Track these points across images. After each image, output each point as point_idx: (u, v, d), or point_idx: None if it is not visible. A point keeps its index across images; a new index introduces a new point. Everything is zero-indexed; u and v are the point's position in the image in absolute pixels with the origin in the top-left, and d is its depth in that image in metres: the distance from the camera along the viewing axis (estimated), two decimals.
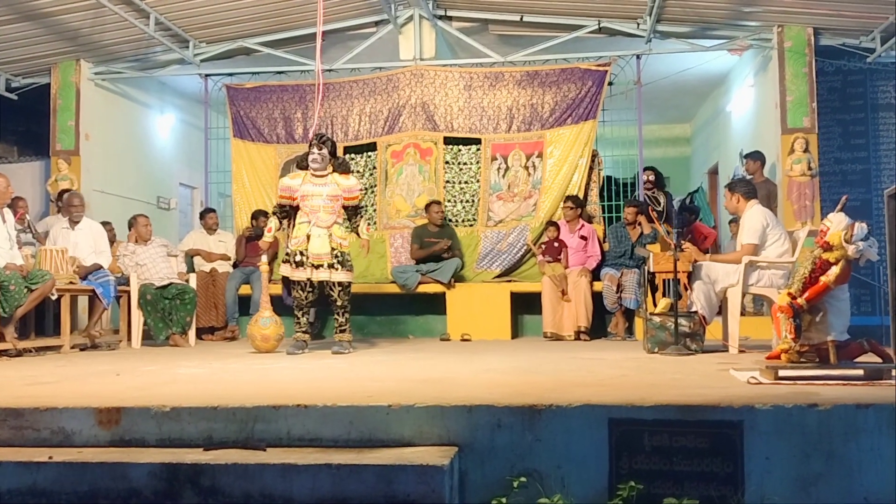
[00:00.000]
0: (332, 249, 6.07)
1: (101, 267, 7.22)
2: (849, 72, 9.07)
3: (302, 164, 6.32)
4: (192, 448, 3.03)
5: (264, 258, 6.54)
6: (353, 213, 6.34)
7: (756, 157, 8.47)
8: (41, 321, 7.30)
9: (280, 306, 6.91)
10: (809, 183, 8.26)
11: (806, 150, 8.24)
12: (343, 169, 6.30)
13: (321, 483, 2.75)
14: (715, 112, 11.50)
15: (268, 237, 6.45)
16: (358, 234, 6.41)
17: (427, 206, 8.52)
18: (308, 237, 6.10)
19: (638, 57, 8.88)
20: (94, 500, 2.82)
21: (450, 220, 8.87)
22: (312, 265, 6.07)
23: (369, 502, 2.72)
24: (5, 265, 6.11)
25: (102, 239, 7.52)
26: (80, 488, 2.83)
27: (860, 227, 4.02)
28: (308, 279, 6.08)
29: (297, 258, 6.10)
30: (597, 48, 9.05)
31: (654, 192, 8.80)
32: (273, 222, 6.40)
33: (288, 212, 6.32)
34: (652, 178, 8.89)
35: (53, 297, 6.62)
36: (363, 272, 8.34)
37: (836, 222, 4.11)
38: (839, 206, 4.27)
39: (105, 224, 8.16)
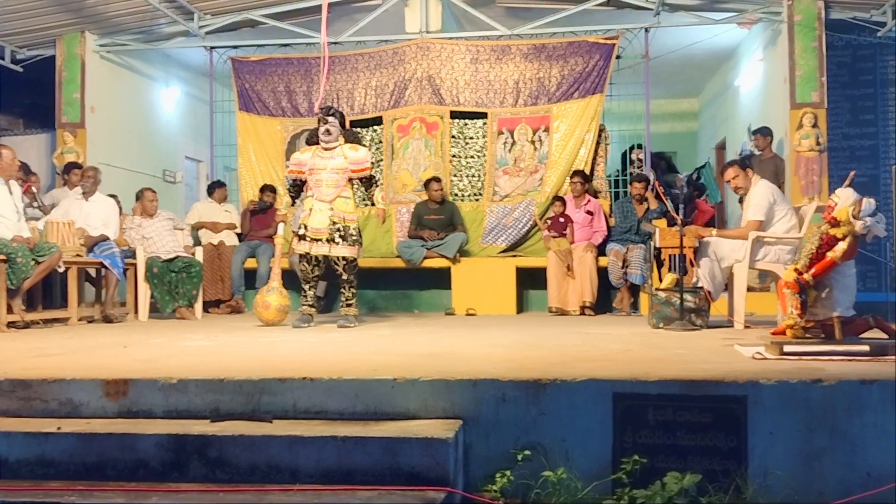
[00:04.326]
0: (334, 223, 6.06)
1: (107, 238, 7.25)
2: (858, 46, 8.97)
3: (311, 139, 6.32)
4: (198, 420, 3.06)
5: (280, 230, 6.55)
6: (367, 184, 6.34)
7: (764, 133, 8.42)
8: (48, 293, 7.34)
9: (287, 279, 6.93)
10: (817, 158, 8.22)
11: (814, 126, 8.18)
12: (353, 139, 6.29)
13: (327, 455, 2.78)
14: (723, 86, 11.41)
15: (281, 210, 6.55)
16: (374, 204, 6.44)
17: (426, 183, 8.49)
18: (311, 210, 6.11)
19: (646, 30, 8.79)
20: (102, 470, 2.85)
21: (455, 195, 8.86)
22: (312, 239, 6.08)
23: (374, 474, 2.75)
24: (12, 237, 6.13)
25: (114, 213, 7.56)
26: (89, 459, 2.86)
27: (868, 203, 4.00)
28: (308, 252, 6.10)
29: (301, 231, 6.12)
30: (605, 21, 8.96)
31: (642, 170, 8.81)
32: (285, 198, 6.47)
33: (300, 186, 6.35)
34: (641, 156, 8.90)
35: (61, 270, 6.65)
36: (369, 246, 8.34)
37: (844, 198, 4.10)
38: (847, 182, 4.25)
39: (111, 197, 8.16)
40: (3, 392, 3.22)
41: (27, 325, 6.18)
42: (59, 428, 2.96)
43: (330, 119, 6.13)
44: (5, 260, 5.94)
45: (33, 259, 6.17)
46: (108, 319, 7.03)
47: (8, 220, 6.23)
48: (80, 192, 7.48)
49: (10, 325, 5.97)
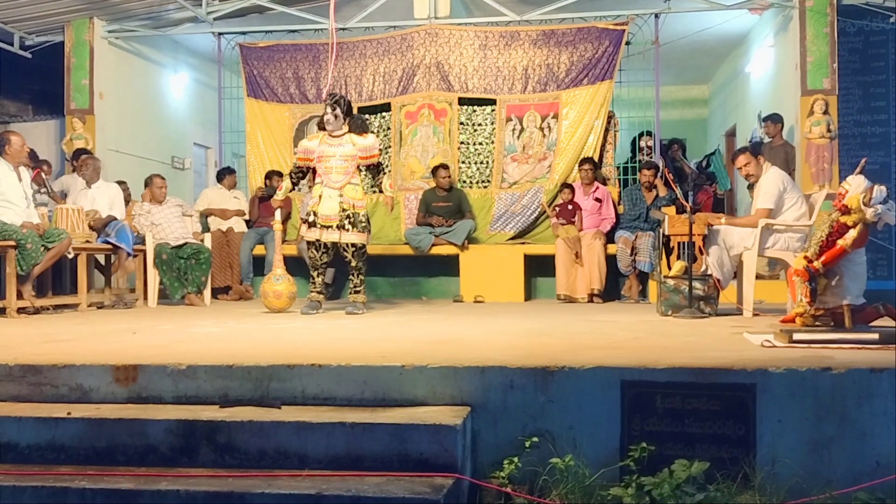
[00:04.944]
0: (343, 210, 6.07)
1: (115, 218, 7.32)
2: (871, 32, 8.89)
3: (321, 124, 6.31)
4: (208, 405, 3.07)
5: (278, 216, 6.56)
6: (374, 171, 6.33)
7: (775, 120, 8.36)
8: (58, 280, 7.37)
9: (295, 266, 6.96)
10: (828, 145, 8.16)
11: (825, 113, 8.12)
12: (360, 129, 6.27)
13: (335, 441, 2.79)
14: (733, 73, 11.33)
15: (279, 195, 6.51)
16: (382, 192, 6.43)
17: (434, 171, 8.49)
18: (320, 197, 6.12)
19: (656, 16, 8.72)
20: (112, 455, 2.86)
21: (464, 182, 8.84)
22: (322, 226, 6.08)
23: (383, 460, 2.75)
24: (22, 223, 6.15)
25: (118, 195, 7.68)
26: (99, 444, 2.88)
27: (879, 191, 3.98)
28: (318, 239, 6.11)
29: (310, 218, 6.13)
30: (614, 6, 8.90)
31: (651, 157, 8.77)
32: (286, 183, 6.46)
33: (304, 173, 6.35)
34: (650, 143, 8.86)
35: (70, 256, 6.68)
36: (377, 233, 8.35)
37: (855, 185, 4.07)
38: (858, 169, 4.22)
39: (120, 183, 8.20)
40: (14, 377, 3.24)
41: (37, 311, 6.20)
42: (69, 413, 2.97)
43: (328, 111, 6.12)
44: (15, 246, 5.97)
45: (43, 245, 6.19)
46: (123, 303, 7.11)
47: (17, 206, 6.25)
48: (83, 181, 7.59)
49: (21, 310, 6.00)
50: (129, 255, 7.21)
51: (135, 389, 3.17)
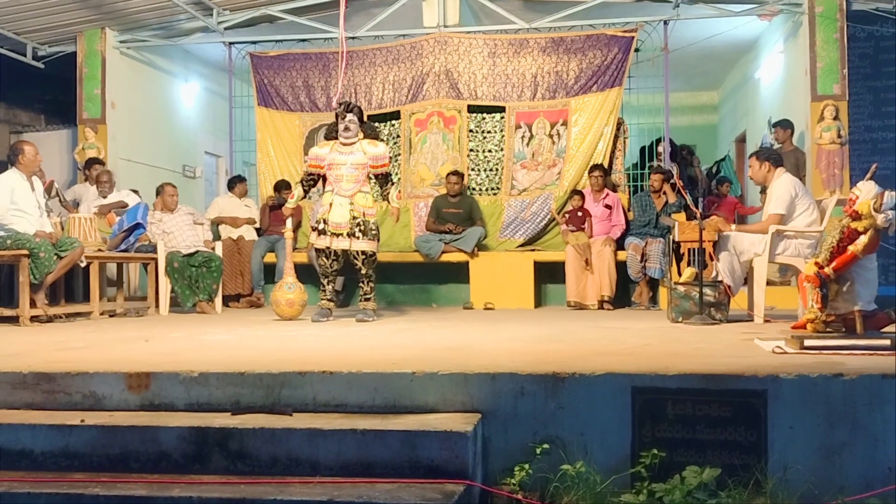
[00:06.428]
0: (354, 218, 6.09)
1: (126, 204, 7.45)
2: (881, 37, 8.86)
3: (330, 134, 6.34)
4: (220, 412, 3.09)
5: (289, 224, 6.58)
6: (383, 180, 6.36)
7: (785, 126, 8.35)
8: (71, 288, 7.42)
9: (305, 274, 6.98)
10: (839, 151, 8.14)
11: (836, 118, 8.10)
12: (372, 134, 6.31)
13: (346, 448, 2.80)
14: (743, 79, 11.32)
15: (290, 203, 6.53)
16: (389, 202, 6.45)
17: (447, 176, 8.52)
18: (331, 205, 6.14)
19: (665, 22, 8.72)
20: (125, 462, 2.88)
21: (473, 189, 8.86)
22: (333, 233, 6.10)
23: (394, 467, 2.76)
24: (35, 232, 6.20)
25: (130, 196, 7.94)
26: (112, 451, 2.90)
27: (890, 196, 3.96)
28: (328, 247, 6.12)
29: (321, 226, 6.15)
30: (623, 13, 8.91)
31: (661, 164, 8.78)
32: (297, 190, 6.47)
33: (315, 181, 6.38)
34: (660, 149, 8.88)
35: (82, 265, 6.72)
36: (387, 241, 8.36)
37: (866, 191, 4.06)
38: (869, 175, 4.21)
39: (133, 192, 8.27)
40: (28, 385, 3.26)
41: (50, 319, 6.24)
42: (82, 420, 2.99)
43: (349, 116, 6.16)
44: (28, 255, 6.01)
45: (56, 254, 6.23)
46: (135, 311, 7.23)
47: (30, 215, 6.30)
48: (97, 193, 7.80)
49: (34, 319, 6.04)
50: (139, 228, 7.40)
51: (147, 397, 3.19)
